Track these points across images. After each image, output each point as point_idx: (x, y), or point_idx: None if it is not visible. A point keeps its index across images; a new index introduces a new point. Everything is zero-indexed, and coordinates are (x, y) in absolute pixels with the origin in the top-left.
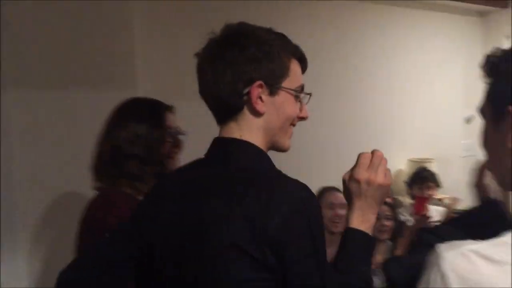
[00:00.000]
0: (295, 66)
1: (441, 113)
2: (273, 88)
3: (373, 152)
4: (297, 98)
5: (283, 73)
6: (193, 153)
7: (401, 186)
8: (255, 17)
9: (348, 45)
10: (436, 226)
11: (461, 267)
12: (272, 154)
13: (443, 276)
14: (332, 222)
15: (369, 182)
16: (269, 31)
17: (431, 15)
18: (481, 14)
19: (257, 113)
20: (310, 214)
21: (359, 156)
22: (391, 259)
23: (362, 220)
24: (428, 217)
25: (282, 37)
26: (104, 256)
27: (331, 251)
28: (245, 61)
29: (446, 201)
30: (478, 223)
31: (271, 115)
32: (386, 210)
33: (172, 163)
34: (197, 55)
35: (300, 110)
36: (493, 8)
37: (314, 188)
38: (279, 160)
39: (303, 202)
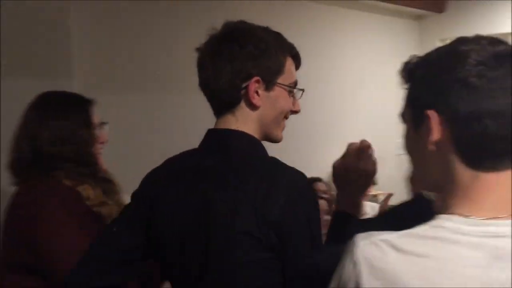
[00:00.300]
0: (289, 63)
1: (377, 112)
2: (269, 83)
3: (361, 142)
4: (290, 93)
5: (279, 70)
6: (123, 145)
7: None
8: (194, 15)
9: None
10: (365, 219)
11: (372, 255)
12: None
13: (355, 264)
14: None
15: (357, 170)
16: (266, 29)
17: (370, 16)
18: (418, 17)
19: (253, 107)
20: (308, 199)
21: (348, 145)
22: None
23: (352, 204)
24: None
25: (278, 35)
26: (112, 246)
27: None
28: (244, 58)
29: (381, 198)
30: (407, 217)
31: (266, 109)
32: (324, 204)
33: (99, 160)
34: (198, 50)
35: (293, 104)
36: (430, 12)
37: None
38: None
39: (301, 188)
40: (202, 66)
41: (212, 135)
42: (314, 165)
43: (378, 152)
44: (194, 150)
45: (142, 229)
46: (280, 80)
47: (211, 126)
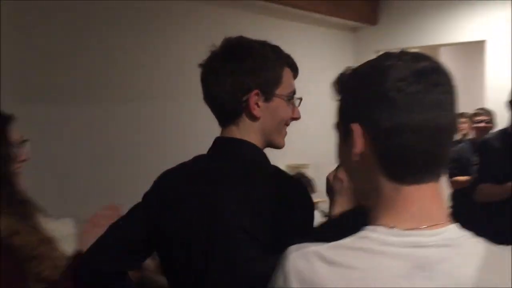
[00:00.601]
0: (287, 74)
1: (316, 121)
2: (268, 95)
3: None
4: (289, 102)
5: (277, 81)
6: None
7: None
8: (129, 20)
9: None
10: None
11: (301, 267)
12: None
13: (285, 276)
14: None
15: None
16: (264, 43)
17: (307, 28)
18: (354, 29)
19: (254, 118)
20: (305, 206)
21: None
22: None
23: None
24: None
25: (275, 48)
26: (119, 239)
27: None
28: (243, 72)
29: (321, 205)
30: (346, 226)
31: (266, 119)
32: None
33: (18, 180)
34: (201, 65)
35: (293, 112)
36: (364, 24)
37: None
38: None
39: (300, 195)
40: (205, 81)
41: (218, 142)
42: None
43: (314, 160)
44: (203, 155)
45: (148, 224)
46: (278, 91)
47: (154, 134)
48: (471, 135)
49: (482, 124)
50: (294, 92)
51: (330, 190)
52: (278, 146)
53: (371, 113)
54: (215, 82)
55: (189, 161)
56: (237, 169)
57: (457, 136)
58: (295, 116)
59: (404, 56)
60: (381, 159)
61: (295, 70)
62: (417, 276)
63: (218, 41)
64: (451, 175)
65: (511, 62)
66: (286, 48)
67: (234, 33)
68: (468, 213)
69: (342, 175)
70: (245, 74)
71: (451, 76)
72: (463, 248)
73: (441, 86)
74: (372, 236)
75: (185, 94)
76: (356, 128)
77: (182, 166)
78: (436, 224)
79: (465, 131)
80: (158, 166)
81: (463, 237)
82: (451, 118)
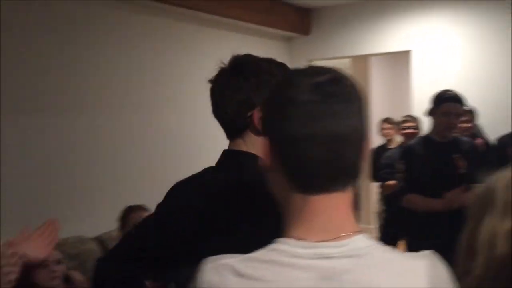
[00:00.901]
0: None
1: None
2: None
3: None
4: None
5: None
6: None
7: None
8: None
9: (143, 63)
10: None
11: (213, 280)
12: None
13: None
14: None
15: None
16: (270, 61)
17: (243, 38)
18: (288, 39)
19: (258, 132)
20: None
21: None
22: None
23: None
24: None
25: (280, 65)
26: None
27: None
28: (248, 90)
29: None
30: None
31: None
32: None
33: None
34: (210, 81)
35: None
36: (297, 34)
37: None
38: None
39: None
40: (213, 97)
41: (227, 155)
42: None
43: None
44: (211, 167)
45: (163, 232)
46: None
47: (109, 147)
48: (400, 140)
49: (410, 131)
50: None
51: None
52: None
53: (271, 125)
54: (222, 99)
55: (199, 172)
56: (241, 181)
57: (384, 141)
58: None
59: (307, 70)
60: (285, 170)
61: None
62: (325, 287)
63: (157, 51)
64: (383, 180)
65: (434, 71)
66: (222, 58)
67: (166, 42)
68: (400, 216)
69: None
70: (249, 91)
71: (354, 87)
72: (370, 258)
73: (338, 97)
74: (281, 249)
75: (112, 106)
76: (264, 140)
77: (192, 177)
78: (344, 235)
79: (390, 136)
80: (101, 178)
81: (370, 246)
82: (349, 127)
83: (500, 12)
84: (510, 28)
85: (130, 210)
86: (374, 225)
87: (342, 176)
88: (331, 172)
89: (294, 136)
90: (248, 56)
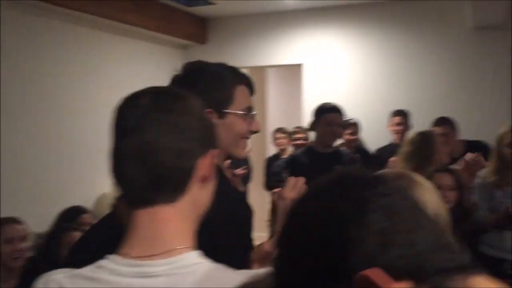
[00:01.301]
0: (240, 91)
1: None
2: (220, 113)
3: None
4: (245, 116)
5: (228, 100)
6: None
7: (106, 209)
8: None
9: (67, 71)
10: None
11: None
12: None
13: None
14: (11, 258)
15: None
16: (220, 65)
17: (138, 43)
18: (184, 47)
19: None
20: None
21: (287, 179)
22: None
23: None
24: None
25: (229, 69)
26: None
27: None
28: (195, 94)
29: None
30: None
31: (222, 134)
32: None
33: None
34: None
35: (251, 125)
36: (193, 42)
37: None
38: None
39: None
40: None
41: None
42: (78, 195)
43: None
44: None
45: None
46: (231, 108)
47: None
48: (292, 150)
49: (300, 142)
50: (250, 108)
51: (275, 209)
52: (237, 157)
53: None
54: None
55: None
56: None
57: (277, 151)
58: (253, 129)
59: (144, 92)
60: (116, 183)
61: (250, 87)
62: None
63: (54, 55)
64: (272, 187)
65: (323, 84)
66: (116, 63)
67: (55, 46)
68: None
69: (285, 194)
70: (196, 96)
71: (174, 105)
72: (191, 276)
73: (154, 112)
74: (106, 266)
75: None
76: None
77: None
78: (174, 250)
79: (283, 146)
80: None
81: (198, 264)
82: (162, 141)
83: (385, 31)
84: (395, 44)
85: (1, 222)
86: (266, 233)
87: (166, 188)
88: (147, 184)
89: (111, 151)
90: (199, 62)
